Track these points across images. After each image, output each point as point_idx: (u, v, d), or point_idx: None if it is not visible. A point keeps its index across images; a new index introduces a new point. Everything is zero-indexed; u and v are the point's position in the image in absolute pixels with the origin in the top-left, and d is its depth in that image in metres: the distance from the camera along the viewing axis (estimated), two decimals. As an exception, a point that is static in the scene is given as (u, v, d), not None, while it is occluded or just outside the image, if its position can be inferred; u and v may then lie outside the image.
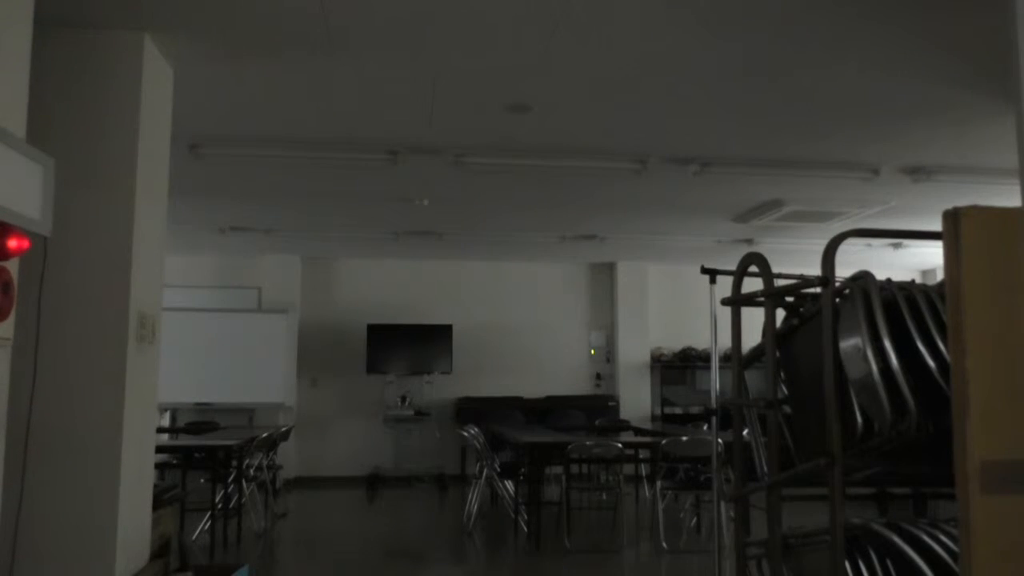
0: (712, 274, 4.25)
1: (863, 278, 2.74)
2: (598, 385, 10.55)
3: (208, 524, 6.16)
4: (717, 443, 4.33)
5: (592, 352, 10.61)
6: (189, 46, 3.68)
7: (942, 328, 2.53)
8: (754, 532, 3.43)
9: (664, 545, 6.27)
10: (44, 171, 2.49)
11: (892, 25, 3.48)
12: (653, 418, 10.30)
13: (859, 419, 2.67)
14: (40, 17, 3.06)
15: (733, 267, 3.45)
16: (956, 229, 2.15)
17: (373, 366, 9.80)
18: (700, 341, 10.54)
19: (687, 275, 10.65)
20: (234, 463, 6.33)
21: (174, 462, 6.58)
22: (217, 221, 7.89)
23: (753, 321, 3.98)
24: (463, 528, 7.00)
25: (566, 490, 6.48)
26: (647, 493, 8.39)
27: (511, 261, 10.48)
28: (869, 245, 8.84)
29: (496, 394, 10.15)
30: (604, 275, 10.71)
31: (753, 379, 3.33)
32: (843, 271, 2.78)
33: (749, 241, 8.71)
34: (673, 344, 10.56)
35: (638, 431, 8.41)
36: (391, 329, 9.91)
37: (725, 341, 4.28)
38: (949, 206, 2.22)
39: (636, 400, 10.33)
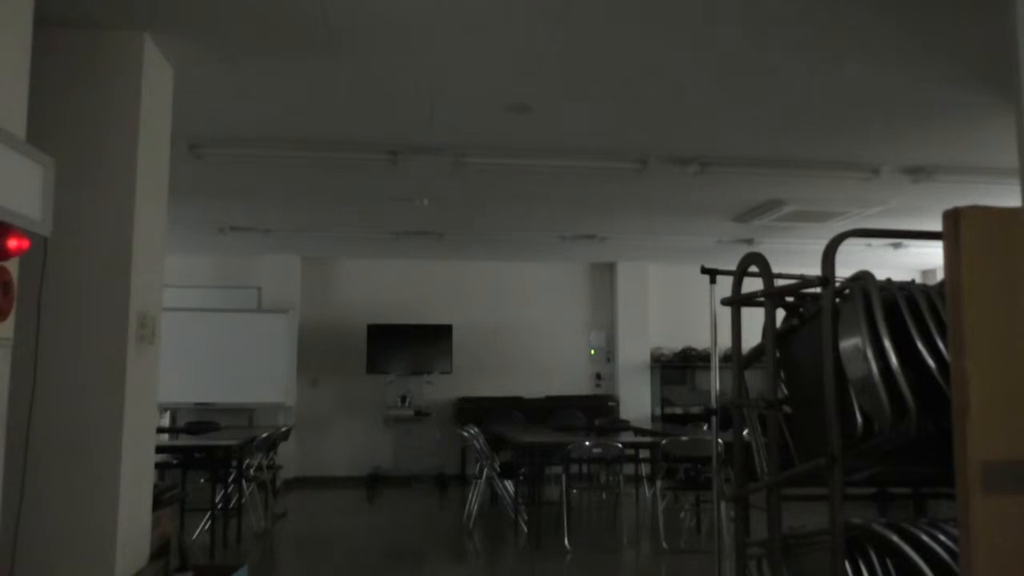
0: (712, 274, 4.25)
1: (863, 278, 2.74)
2: (598, 385, 10.55)
3: (208, 524, 6.16)
4: (717, 443, 4.33)
5: (592, 352, 10.61)
6: (189, 46, 3.68)
7: (942, 328, 2.53)
8: (754, 532, 3.43)
9: (664, 545, 6.27)
10: (44, 171, 2.49)
11: (892, 25, 3.48)
12: (653, 418, 10.30)
13: (859, 419, 2.67)
14: (40, 17, 3.06)
15: (733, 267, 3.45)
16: (956, 229, 2.15)
17: (373, 366, 9.80)
18: (700, 341, 10.54)
19: (687, 275, 10.65)
20: (234, 463, 6.33)
21: (174, 462, 6.58)
22: (217, 221, 7.89)
23: (753, 321, 3.99)
24: (463, 528, 7.00)
25: (566, 490, 6.47)
26: (647, 493, 8.39)
27: (511, 261, 10.48)
28: (869, 245, 8.84)
29: (496, 394, 10.16)
30: (604, 275, 10.71)
31: (753, 379, 3.33)
32: (843, 271, 2.79)
33: (749, 241, 8.71)
34: (673, 344, 10.56)
35: (638, 431, 8.41)
36: (391, 329, 9.91)
37: (725, 341, 4.28)
38: (949, 206, 2.22)
39: (636, 400, 10.33)
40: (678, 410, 10.39)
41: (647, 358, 10.42)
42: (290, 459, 9.34)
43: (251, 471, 6.83)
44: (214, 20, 3.43)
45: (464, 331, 10.26)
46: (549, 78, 4.12)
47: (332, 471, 9.87)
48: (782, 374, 3.16)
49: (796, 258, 9.45)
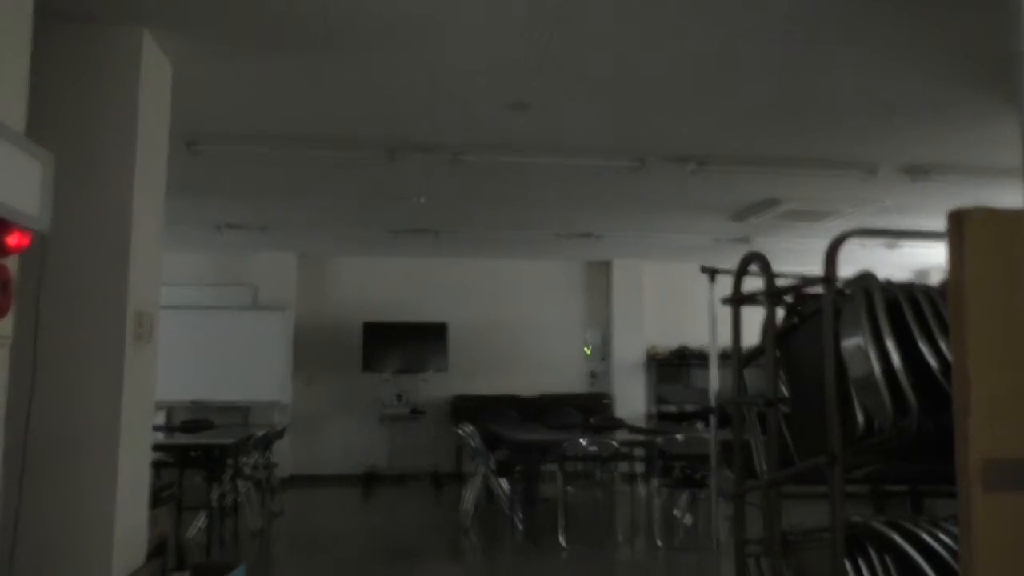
0: (711, 273, 4.26)
1: (865, 278, 2.74)
2: (593, 383, 10.55)
3: (204, 523, 6.14)
4: (716, 442, 4.33)
5: (587, 350, 10.61)
6: (188, 42, 3.67)
7: (944, 328, 2.53)
8: (753, 530, 3.43)
9: (659, 543, 6.28)
10: (43, 167, 2.47)
11: (891, 23, 3.48)
12: (648, 416, 10.30)
13: (860, 417, 2.68)
14: (40, 12, 3.04)
15: (730, 265, 3.45)
16: (960, 230, 2.15)
17: (369, 364, 9.78)
18: (695, 339, 10.54)
19: (683, 273, 10.63)
20: (230, 461, 6.31)
21: (170, 461, 6.55)
22: (213, 218, 7.86)
23: (752, 320, 3.99)
24: (459, 526, 7.00)
25: (562, 488, 6.48)
26: (642, 491, 8.39)
27: (507, 259, 10.47)
28: (863, 244, 8.85)
29: (491, 392, 10.14)
30: (600, 273, 10.71)
31: (752, 378, 3.33)
32: (838, 270, 2.78)
33: (746, 239, 8.72)
34: (668, 342, 10.56)
35: (633, 429, 8.41)
36: (387, 327, 9.89)
37: (723, 339, 4.28)
38: (946, 205, 2.22)
39: (631, 398, 10.33)
40: (673, 408, 10.39)
41: (642, 356, 10.42)
42: (286, 457, 9.31)
43: (247, 469, 6.81)
44: (213, 17, 3.42)
45: (460, 329, 10.24)
46: (548, 76, 4.11)
47: (328, 469, 9.85)
48: (782, 373, 3.17)
49: (793, 256, 9.46)
